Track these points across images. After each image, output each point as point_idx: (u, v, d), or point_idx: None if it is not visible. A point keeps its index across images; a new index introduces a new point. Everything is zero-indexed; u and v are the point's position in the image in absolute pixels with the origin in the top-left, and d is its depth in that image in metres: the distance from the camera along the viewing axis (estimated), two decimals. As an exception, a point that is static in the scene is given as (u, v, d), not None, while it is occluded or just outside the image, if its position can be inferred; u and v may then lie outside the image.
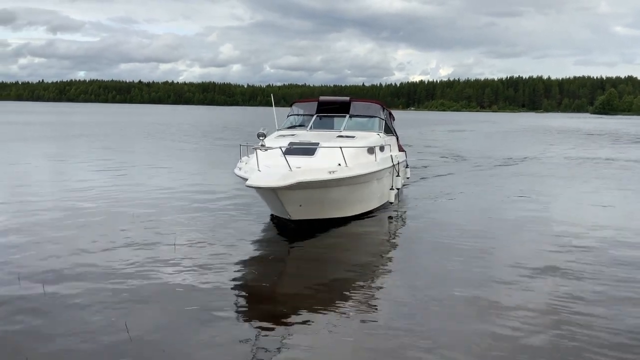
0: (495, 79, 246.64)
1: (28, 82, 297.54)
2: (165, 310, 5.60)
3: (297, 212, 8.60)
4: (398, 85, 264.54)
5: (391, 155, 11.26)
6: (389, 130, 12.40)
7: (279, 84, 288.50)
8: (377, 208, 10.68)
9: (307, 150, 9.12)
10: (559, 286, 6.50)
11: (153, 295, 6.00)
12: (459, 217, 10.55)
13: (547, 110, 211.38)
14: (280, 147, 8.07)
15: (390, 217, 10.65)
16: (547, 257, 7.71)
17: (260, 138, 8.10)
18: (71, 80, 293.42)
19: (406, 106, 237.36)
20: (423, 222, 10.26)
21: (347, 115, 11.51)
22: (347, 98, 11.97)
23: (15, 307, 5.57)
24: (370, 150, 10.00)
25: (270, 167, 8.00)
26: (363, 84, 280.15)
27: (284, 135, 10.50)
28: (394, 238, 9.54)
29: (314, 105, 12.06)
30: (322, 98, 12.12)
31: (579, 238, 8.90)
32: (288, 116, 12.37)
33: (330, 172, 8.39)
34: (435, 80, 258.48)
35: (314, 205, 8.71)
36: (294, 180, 7.71)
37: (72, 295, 5.95)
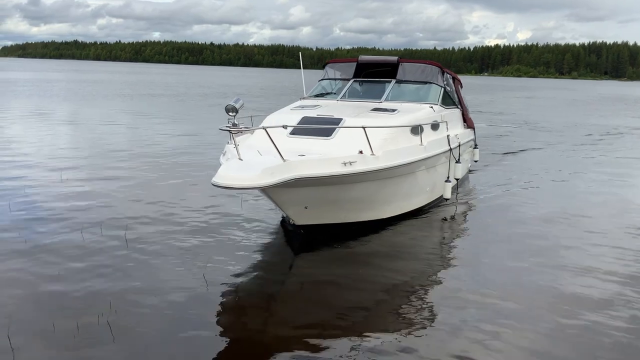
0: (577, 44, 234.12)
1: (106, 43, 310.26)
2: (238, 267, 5.89)
3: (302, 216, 6.41)
4: (472, 49, 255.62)
5: (448, 136, 8.60)
6: (449, 100, 9.61)
7: (347, 47, 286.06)
8: (424, 206, 8.22)
9: (323, 129, 6.74)
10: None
11: (225, 250, 6.30)
12: (539, 215, 8.18)
13: (631, 78, 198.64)
14: (264, 127, 5.60)
15: (443, 218, 8.13)
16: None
17: (230, 114, 5.52)
18: (146, 41, 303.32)
19: (479, 71, 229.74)
20: (486, 224, 7.88)
21: (393, 81, 9.03)
22: (395, 58, 9.42)
23: (97, 256, 6.00)
24: (415, 130, 7.44)
25: (262, 153, 5.67)
26: (434, 48, 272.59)
27: (302, 107, 8.25)
28: (442, 249, 6.96)
29: (352, 66, 9.65)
30: (362, 58, 9.69)
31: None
32: (319, 80, 9.92)
33: (345, 164, 5.99)
34: (511, 45, 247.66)
35: (325, 206, 6.47)
36: (283, 177, 5.36)
37: (151, 245, 6.34)
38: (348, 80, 9.46)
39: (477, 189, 10.18)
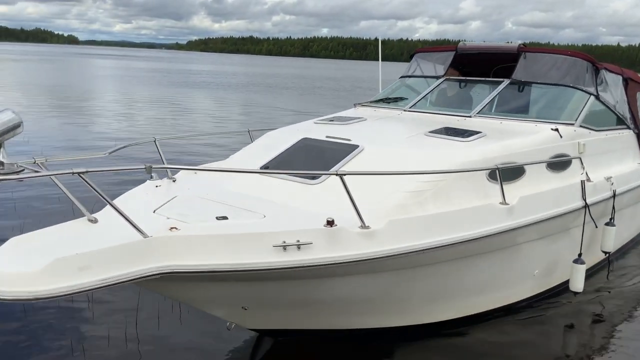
0: None
1: (277, 38, 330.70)
2: None
3: (246, 319, 3.62)
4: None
5: (583, 182, 4.77)
6: (607, 116, 5.88)
7: (518, 41, 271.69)
8: (528, 299, 4.81)
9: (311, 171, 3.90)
10: None
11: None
12: None
13: None
14: (50, 175, 2.58)
15: (567, 325, 4.59)
16: None
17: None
18: (314, 37, 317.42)
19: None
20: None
21: (506, 81, 5.56)
22: (515, 45, 6.04)
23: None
24: (494, 174, 3.95)
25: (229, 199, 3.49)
26: (618, 44, 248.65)
27: (332, 120, 5.21)
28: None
29: (449, 58, 6.29)
30: (462, 45, 6.42)
31: None
32: (400, 77, 6.83)
33: (282, 248, 2.89)
34: None
35: (286, 310, 3.65)
36: (115, 274, 2.51)
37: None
38: (438, 78, 6.24)
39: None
